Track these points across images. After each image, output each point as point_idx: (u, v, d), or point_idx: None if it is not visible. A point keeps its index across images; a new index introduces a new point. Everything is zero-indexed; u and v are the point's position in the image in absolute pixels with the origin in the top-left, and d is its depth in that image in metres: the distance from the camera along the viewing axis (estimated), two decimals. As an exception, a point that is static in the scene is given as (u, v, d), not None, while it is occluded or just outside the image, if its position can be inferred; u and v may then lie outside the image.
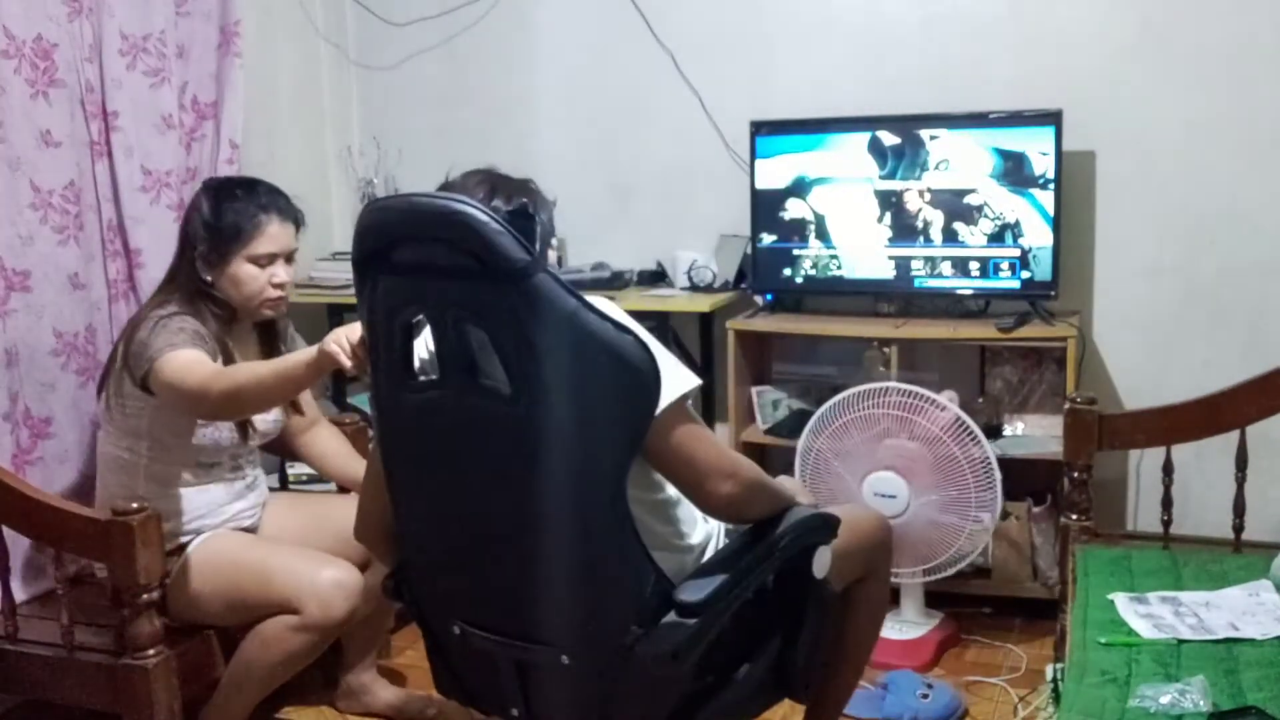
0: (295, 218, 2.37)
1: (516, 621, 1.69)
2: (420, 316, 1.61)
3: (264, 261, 2.30)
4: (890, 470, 2.71)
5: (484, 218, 1.48)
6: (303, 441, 2.58)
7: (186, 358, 2.16)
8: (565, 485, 1.56)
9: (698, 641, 1.61)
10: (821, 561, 1.79)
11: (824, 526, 1.80)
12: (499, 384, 1.54)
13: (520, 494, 1.59)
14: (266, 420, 2.42)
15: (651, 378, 1.54)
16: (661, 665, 1.60)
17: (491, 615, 1.72)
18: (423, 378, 1.65)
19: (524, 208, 1.58)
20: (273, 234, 2.30)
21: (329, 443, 2.60)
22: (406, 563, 1.82)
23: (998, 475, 2.65)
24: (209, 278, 2.29)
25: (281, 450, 2.65)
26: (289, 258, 2.35)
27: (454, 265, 1.51)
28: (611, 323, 1.53)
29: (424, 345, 1.69)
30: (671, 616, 1.60)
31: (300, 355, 2.08)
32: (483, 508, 1.65)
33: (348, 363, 1.92)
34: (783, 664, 1.82)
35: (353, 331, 1.92)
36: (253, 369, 2.16)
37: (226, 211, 2.28)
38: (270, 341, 2.45)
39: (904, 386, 2.71)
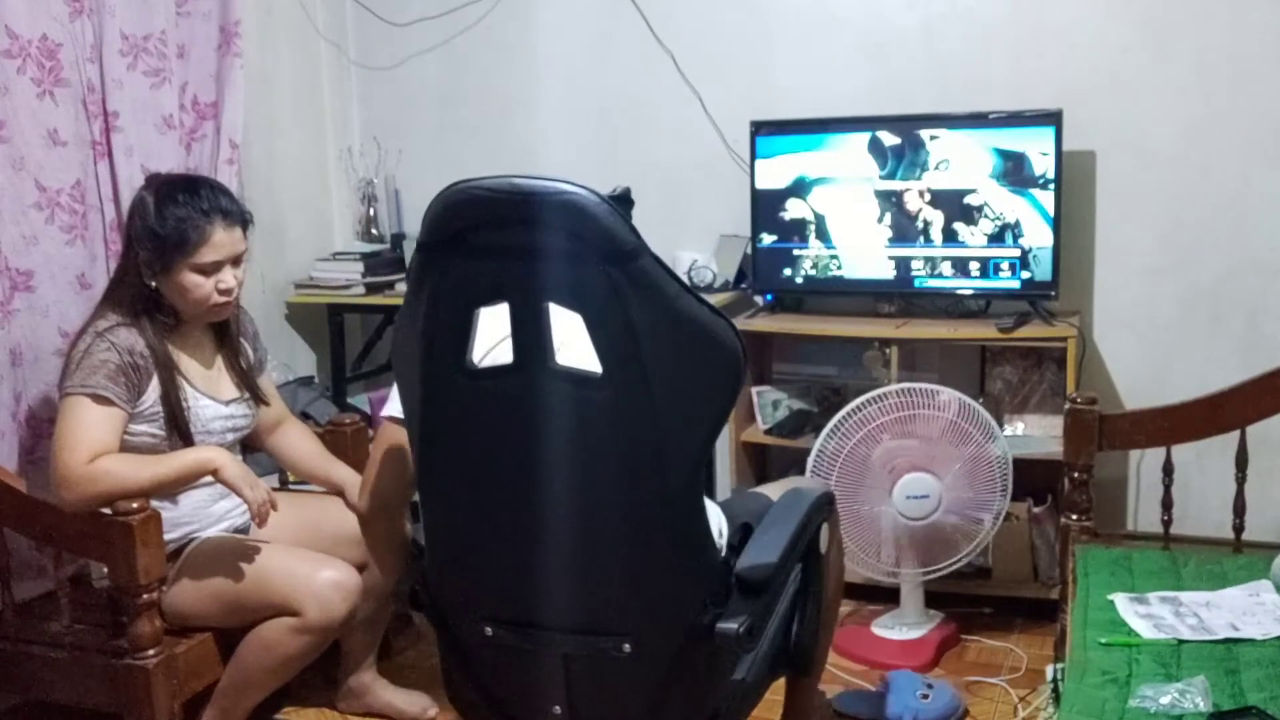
0: (242, 219, 2.28)
1: (574, 613, 1.68)
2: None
3: (209, 269, 2.23)
4: (924, 471, 2.71)
5: (595, 199, 1.49)
6: (271, 443, 2.56)
7: (81, 421, 2.12)
8: (653, 466, 1.58)
9: (767, 617, 1.67)
10: (823, 536, 1.89)
11: (830, 503, 1.91)
12: (583, 367, 1.55)
13: (601, 477, 1.60)
14: (234, 418, 2.38)
15: (741, 361, 1.59)
16: (740, 643, 1.63)
17: (539, 609, 1.70)
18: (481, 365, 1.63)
19: (626, 193, 1.59)
20: (217, 242, 2.22)
21: (300, 444, 2.58)
22: (430, 565, 1.79)
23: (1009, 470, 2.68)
24: (153, 284, 2.23)
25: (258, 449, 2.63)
26: (236, 261, 2.28)
27: (550, 247, 1.51)
28: (708, 306, 1.57)
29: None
30: (735, 594, 1.65)
31: (186, 467, 2.17)
32: (550, 495, 1.63)
33: (256, 517, 2.19)
34: (789, 641, 1.87)
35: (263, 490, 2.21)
36: (132, 477, 2.12)
37: (169, 219, 2.19)
38: (225, 340, 2.41)
39: (930, 387, 2.71)
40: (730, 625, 1.62)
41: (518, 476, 1.63)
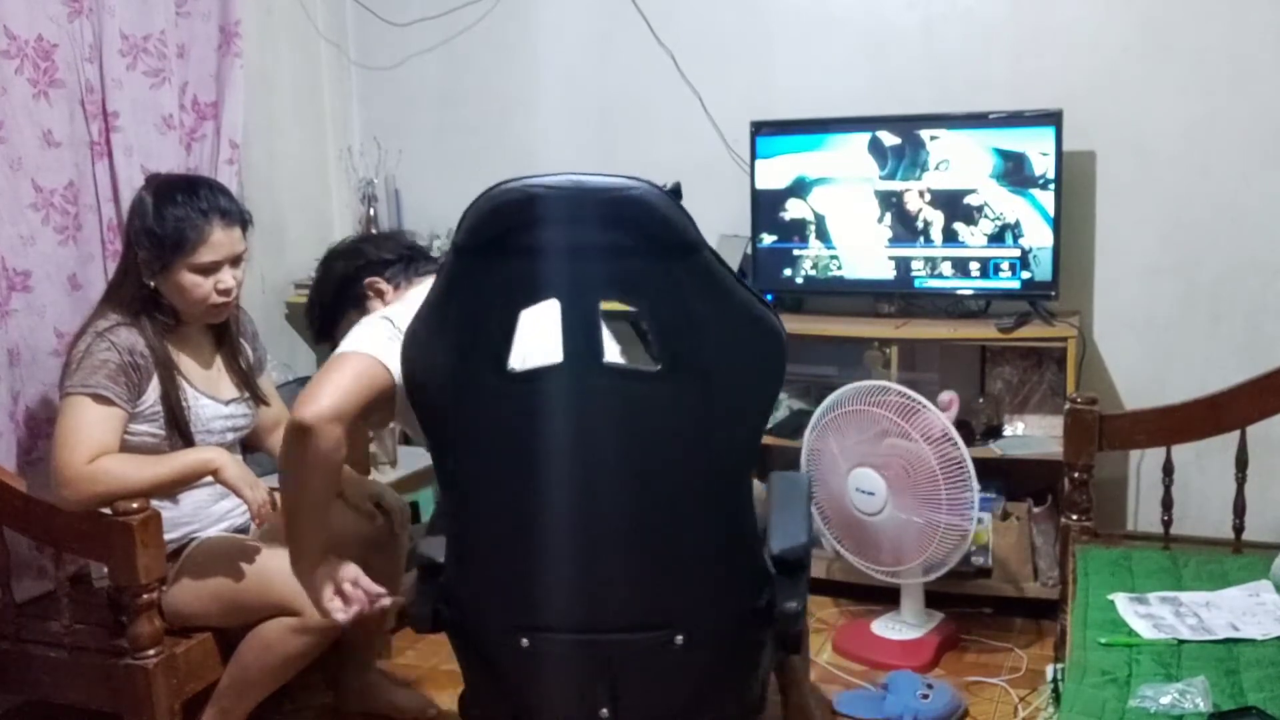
0: (241, 220, 2.27)
1: (625, 611, 1.69)
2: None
3: (208, 270, 2.22)
4: (871, 468, 2.72)
5: (661, 195, 1.51)
6: (270, 443, 2.54)
7: (81, 421, 2.11)
8: (710, 457, 1.61)
9: (807, 594, 1.71)
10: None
11: (810, 487, 1.99)
12: (636, 363, 1.57)
13: (657, 472, 1.61)
14: (234, 417, 2.37)
15: (785, 348, 1.62)
16: (795, 622, 1.68)
17: (588, 612, 1.69)
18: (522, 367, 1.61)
19: (677, 188, 1.59)
20: (216, 242, 2.20)
21: None
22: (458, 581, 1.74)
23: (974, 479, 2.62)
24: (153, 284, 2.23)
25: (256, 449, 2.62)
26: (236, 261, 2.26)
27: (612, 243, 1.52)
28: (755, 295, 1.60)
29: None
30: (777, 575, 1.70)
31: (186, 468, 2.16)
32: (603, 494, 1.63)
33: (256, 517, 2.19)
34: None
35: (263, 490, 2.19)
36: (133, 477, 2.11)
37: (167, 219, 2.18)
38: (224, 340, 2.40)
39: (890, 385, 2.71)
40: (792, 604, 1.67)
41: (567, 479, 1.62)
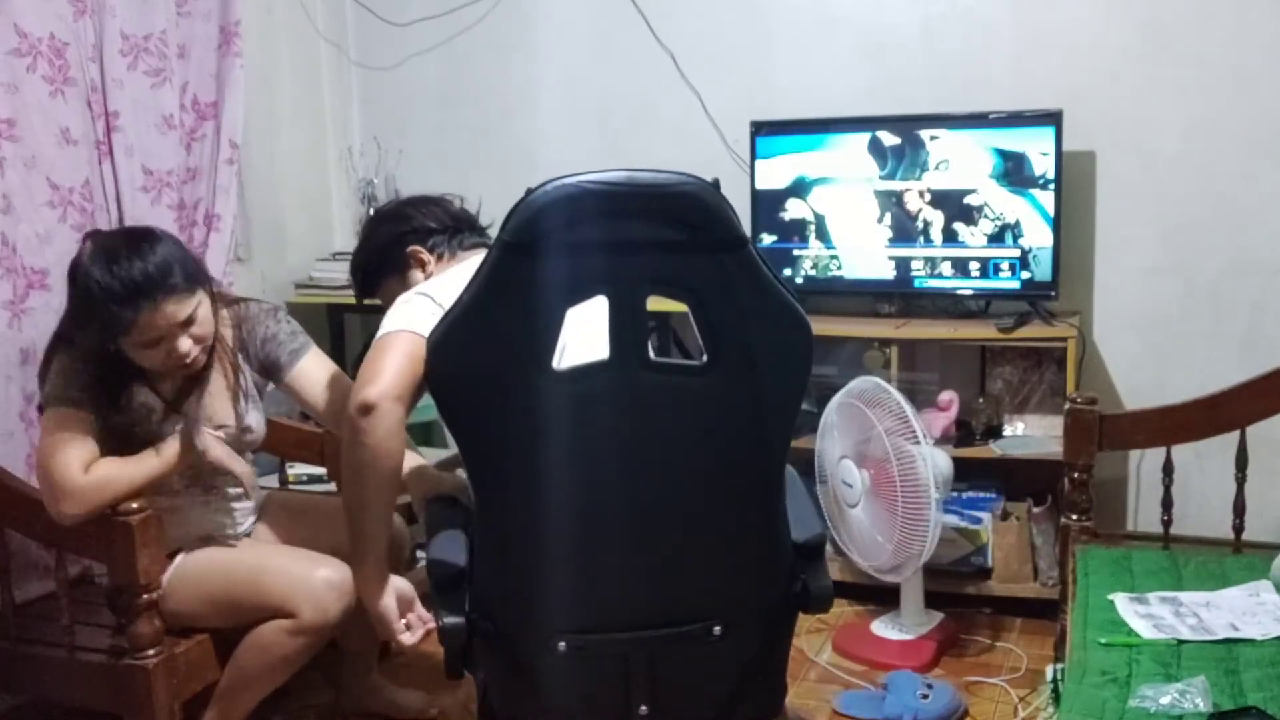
0: (182, 283, 2.07)
1: (666, 606, 1.70)
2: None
3: (153, 343, 2.09)
4: (853, 462, 2.75)
5: (710, 189, 1.56)
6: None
7: (64, 429, 2.06)
8: (755, 448, 1.66)
9: (829, 577, 1.79)
10: None
11: None
12: (678, 358, 1.57)
13: (704, 466, 1.64)
14: (250, 427, 2.32)
15: (812, 340, 1.67)
16: (828, 603, 1.76)
17: (629, 611, 1.69)
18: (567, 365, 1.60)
19: (716, 184, 1.61)
20: (145, 324, 2.04)
21: None
22: (492, 588, 1.69)
23: (933, 508, 2.60)
24: (112, 348, 2.12)
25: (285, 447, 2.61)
26: (188, 322, 2.10)
27: (660, 239, 1.54)
28: (786, 288, 1.63)
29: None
30: (800, 560, 1.76)
31: (176, 455, 2.13)
32: (651, 488, 1.64)
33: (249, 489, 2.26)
34: None
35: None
36: (132, 476, 2.09)
37: (92, 305, 2.03)
38: (219, 364, 2.31)
39: (886, 385, 2.72)
40: (828, 584, 1.74)
41: (616, 475, 1.63)
